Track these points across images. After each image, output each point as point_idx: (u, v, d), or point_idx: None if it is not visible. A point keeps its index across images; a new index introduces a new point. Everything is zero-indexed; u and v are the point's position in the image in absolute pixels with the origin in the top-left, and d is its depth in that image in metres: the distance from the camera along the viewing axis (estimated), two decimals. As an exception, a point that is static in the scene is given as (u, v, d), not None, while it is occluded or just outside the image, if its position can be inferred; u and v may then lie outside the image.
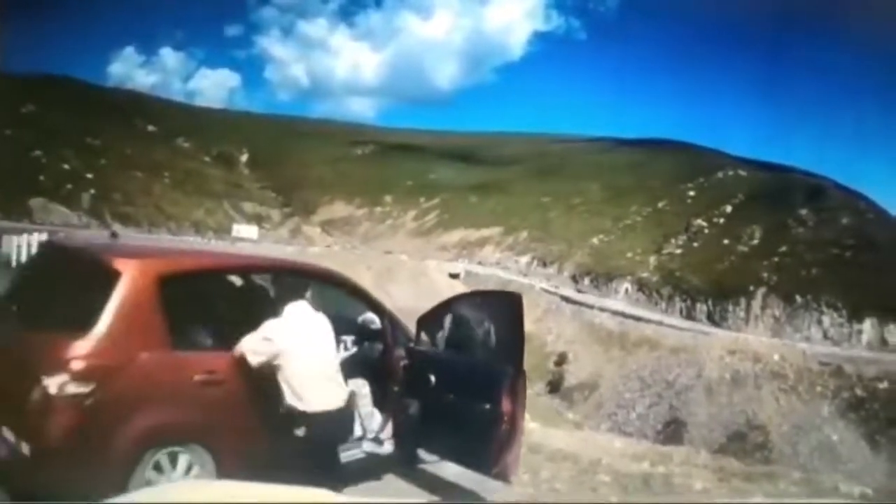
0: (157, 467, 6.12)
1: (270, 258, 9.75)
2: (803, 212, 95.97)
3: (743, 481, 10.03)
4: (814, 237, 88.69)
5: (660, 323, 71.71)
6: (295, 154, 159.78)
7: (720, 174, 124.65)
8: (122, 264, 6.36)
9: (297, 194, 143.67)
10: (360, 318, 8.48)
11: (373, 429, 8.46)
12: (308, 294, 7.35)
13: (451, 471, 8.57)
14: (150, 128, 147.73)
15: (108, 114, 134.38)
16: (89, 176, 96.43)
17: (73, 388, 5.76)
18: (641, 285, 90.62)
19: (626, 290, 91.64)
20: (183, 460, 6.25)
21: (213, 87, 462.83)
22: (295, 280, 7.61)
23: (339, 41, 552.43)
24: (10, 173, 75.53)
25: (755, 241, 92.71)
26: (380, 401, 8.44)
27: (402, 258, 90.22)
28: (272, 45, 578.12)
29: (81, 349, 5.85)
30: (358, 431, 8.06)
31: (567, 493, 8.70)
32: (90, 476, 5.75)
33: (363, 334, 8.51)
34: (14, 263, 28.57)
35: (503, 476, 7.80)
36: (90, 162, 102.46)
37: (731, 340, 63.94)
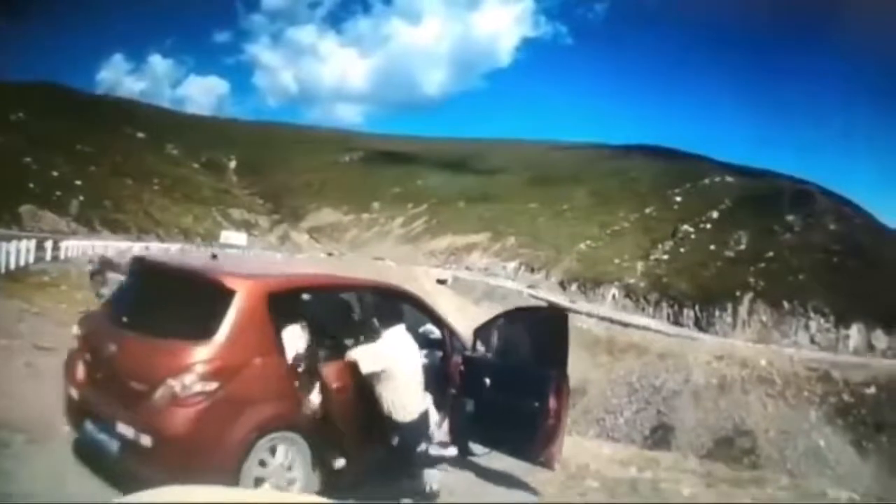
0: (262, 462, 6.89)
1: (354, 278, 10.47)
2: (790, 217, 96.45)
3: (731, 486, 10.12)
4: (801, 243, 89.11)
5: (647, 328, 71.86)
6: (283, 161, 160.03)
7: (707, 180, 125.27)
8: (236, 284, 7.18)
9: (286, 201, 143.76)
10: (422, 329, 9.13)
11: (437, 434, 9.13)
12: (404, 316, 8.15)
13: (500, 462, 9.31)
14: (140, 134, 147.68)
15: (97, 121, 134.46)
16: (79, 183, 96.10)
17: (199, 387, 6.52)
18: (629, 291, 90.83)
19: (614, 295, 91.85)
20: (282, 449, 7.07)
21: (202, 93, 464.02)
22: (384, 300, 8.48)
23: (327, 48, 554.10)
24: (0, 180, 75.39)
25: (742, 247, 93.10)
26: (438, 402, 9.07)
27: (390, 264, 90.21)
28: (261, 51, 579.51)
29: (206, 354, 6.65)
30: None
31: (555, 498, 8.75)
32: (206, 462, 6.52)
33: (426, 343, 9.10)
34: (3, 270, 28.53)
35: (548, 464, 8.77)
36: (80, 169, 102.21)
37: (719, 346, 64.16)
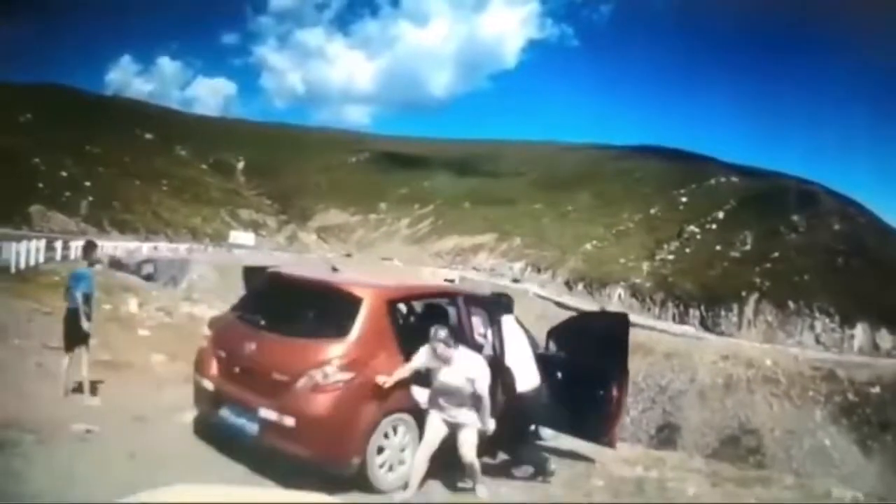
0: (385, 434, 8.28)
1: (454, 287, 13.71)
2: (795, 218, 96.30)
3: (736, 486, 10.14)
4: (806, 243, 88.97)
5: (653, 328, 71.74)
6: (291, 162, 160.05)
7: (712, 181, 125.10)
8: (363, 293, 8.67)
9: (293, 201, 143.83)
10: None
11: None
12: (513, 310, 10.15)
13: (567, 443, 10.85)
14: (148, 136, 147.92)
15: (106, 122, 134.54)
16: (88, 183, 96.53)
17: (338, 377, 7.88)
18: (635, 291, 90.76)
19: (620, 295, 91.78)
20: (401, 429, 8.44)
21: (211, 95, 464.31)
22: (483, 305, 10.24)
23: (335, 50, 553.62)
24: (9, 181, 75.66)
25: (747, 247, 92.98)
26: None
27: (398, 264, 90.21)
28: (269, 53, 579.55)
29: (342, 350, 8.06)
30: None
31: (561, 497, 8.79)
32: (340, 437, 7.91)
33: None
34: (13, 270, 28.63)
35: (611, 443, 10.40)
36: (89, 169, 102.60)
37: (724, 346, 64.07)
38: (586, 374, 10.28)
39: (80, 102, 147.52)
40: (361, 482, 7.99)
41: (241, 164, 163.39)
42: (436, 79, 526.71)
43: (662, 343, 64.22)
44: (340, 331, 8.20)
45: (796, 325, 74.13)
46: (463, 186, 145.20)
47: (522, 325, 10.46)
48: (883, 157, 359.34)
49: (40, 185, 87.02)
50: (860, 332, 70.12)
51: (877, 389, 55.06)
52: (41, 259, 33.67)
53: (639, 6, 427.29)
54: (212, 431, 8.85)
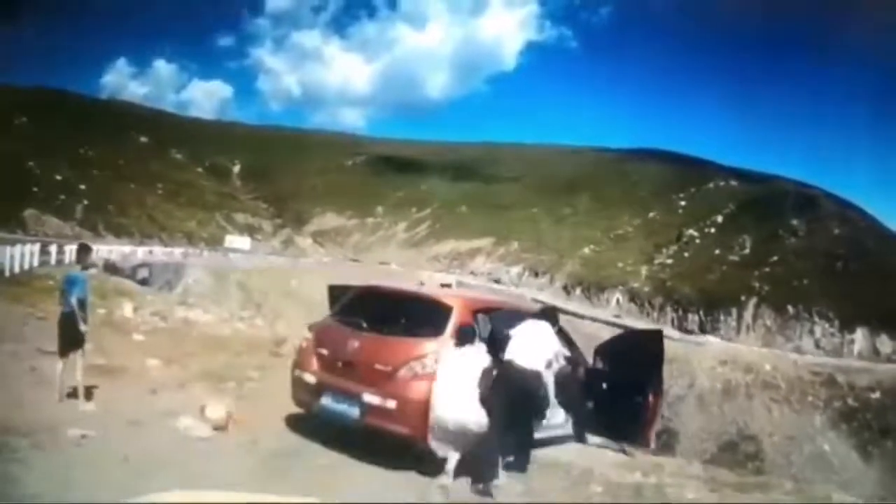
0: None
1: (518, 302, 17.25)
2: (794, 222, 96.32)
3: (735, 492, 10.08)
4: (805, 247, 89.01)
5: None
6: (287, 165, 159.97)
7: (711, 184, 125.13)
8: (453, 302, 11.13)
9: (289, 205, 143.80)
10: (557, 348, 11.28)
11: (564, 427, 12.02)
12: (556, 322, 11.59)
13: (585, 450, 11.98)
14: (143, 139, 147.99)
15: (100, 125, 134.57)
16: (82, 187, 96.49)
17: (434, 367, 9.64)
18: (633, 295, 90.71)
19: (618, 300, 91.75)
20: None
21: (206, 97, 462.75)
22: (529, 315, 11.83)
23: (331, 52, 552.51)
24: (3, 184, 75.64)
25: (746, 251, 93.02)
26: (566, 404, 11.75)
27: (395, 268, 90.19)
28: (265, 56, 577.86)
29: (437, 346, 9.98)
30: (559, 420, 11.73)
31: (559, 503, 8.79)
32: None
33: (560, 359, 11.50)
34: (8, 274, 28.59)
35: (646, 444, 12.41)
36: (83, 173, 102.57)
37: (723, 350, 63.96)
38: (626, 385, 12.07)
39: (74, 106, 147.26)
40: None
41: (236, 168, 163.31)
42: (433, 81, 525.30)
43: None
44: (435, 332, 10.25)
45: (795, 330, 74.13)
46: (460, 190, 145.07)
47: (569, 339, 12.70)
48: (883, 160, 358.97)
49: (35, 188, 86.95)
50: (860, 336, 70.11)
51: (877, 395, 54.97)
52: (35, 263, 33.68)
53: (638, 9, 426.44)
54: (313, 419, 10.76)
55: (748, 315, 77.81)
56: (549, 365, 10.41)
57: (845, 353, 68.81)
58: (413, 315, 10.98)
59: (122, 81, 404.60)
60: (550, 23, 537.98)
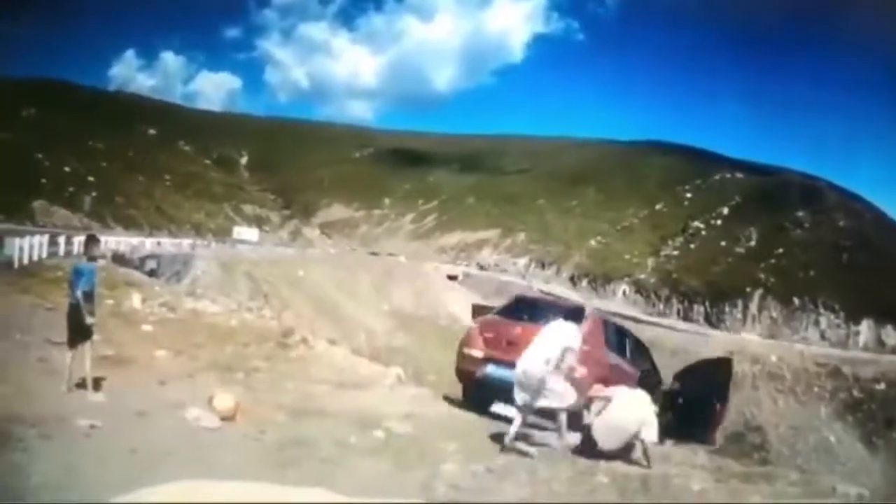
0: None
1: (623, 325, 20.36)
2: (800, 213, 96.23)
3: (741, 482, 10.06)
4: (811, 239, 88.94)
5: (658, 325, 71.61)
6: (294, 157, 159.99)
7: (717, 176, 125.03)
8: (586, 306, 16.91)
9: (297, 197, 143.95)
10: (644, 369, 15.65)
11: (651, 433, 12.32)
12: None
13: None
14: (151, 131, 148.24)
15: (109, 117, 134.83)
16: (91, 179, 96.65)
17: (579, 344, 11.62)
18: (639, 287, 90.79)
19: (624, 291, 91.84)
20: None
21: (214, 89, 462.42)
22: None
23: (339, 44, 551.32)
24: (12, 176, 75.66)
25: (752, 243, 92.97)
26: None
27: (402, 260, 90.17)
28: (273, 48, 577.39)
29: (581, 332, 12.14)
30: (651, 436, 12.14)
31: (565, 493, 8.73)
32: (580, 386, 11.65)
33: (646, 380, 15.32)
34: (16, 265, 28.64)
35: (712, 443, 15.72)
36: (92, 165, 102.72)
37: (729, 342, 63.88)
38: (700, 399, 16.27)
39: (83, 98, 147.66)
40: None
41: (244, 160, 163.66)
42: (440, 74, 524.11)
43: (667, 339, 64.14)
44: (578, 322, 12.80)
45: (801, 321, 74.23)
46: (467, 182, 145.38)
47: (649, 356, 18.34)
48: (890, 153, 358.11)
49: (43, 180, 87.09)
50: (865, 328, 70.16)
51: (882, 386, 54.80)
52: (44, 254, 33.67)
53: (644, 1, 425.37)
54: (480, 382, 14.39)
55: (754, 306, 77.86)
56: (550, 363, 11.23)
57: (851, 345, 68.85)
58: (558, 313, 12.99)
59: (131, 73, 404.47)
60: (557, 15, 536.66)
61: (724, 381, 17.30)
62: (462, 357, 15.13)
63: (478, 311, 19.09)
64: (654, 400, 12.68)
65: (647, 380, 15.57)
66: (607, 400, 11.24)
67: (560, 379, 11.25)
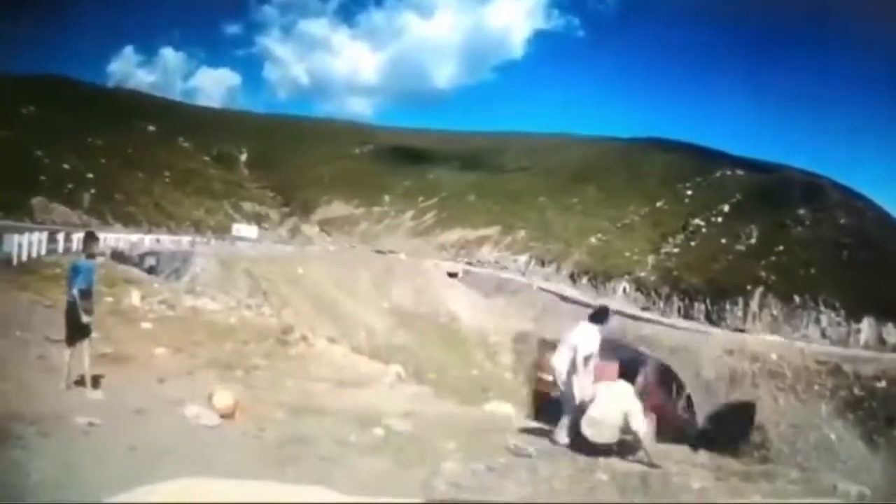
0: None
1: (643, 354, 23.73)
2: (801, 211, 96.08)
3: (741, 480, 10.05)
4: (812, 236, 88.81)
5: (658, 322, 71.61)
6: (294, 154, 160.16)
7: (718, 174, 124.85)
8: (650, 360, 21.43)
9: (297, 194, 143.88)
10: (683, 401, 18.06)
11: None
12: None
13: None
14: (151, 128, 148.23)
15: (108, 114, 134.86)
16: (90, 175, 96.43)
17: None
18: (640, 285, 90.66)
19: (625, 289, 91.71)
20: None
21: (214, 86, 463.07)
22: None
23: (339, 41, 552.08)
24: (11, 173, 75.53)
25: (753, 241, 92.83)
26: (680, 438, 16.30)
27: (401, 257, 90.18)
28: (272, 44, 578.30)
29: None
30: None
31: (565, 491, 8.72)
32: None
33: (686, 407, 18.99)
34: (15, 262, 28.61)
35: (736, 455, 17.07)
36: (91, 162, 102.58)
37: (729, 340, 63.92)
38: (732, 418, 26.34)
39: (82, 94, 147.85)
40: None
41: (244, 156, 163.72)
42: (441, 70, 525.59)
43: (667, 337, 64.12)
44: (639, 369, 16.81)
45: (802, 319, 74.09)
46: (467, 179, 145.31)
47: (679, 383, 21.44)
48: (891, 150, 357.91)
49: (42, 177, 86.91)
50: (866, 326, 70.03)
51: (882, 384, 54.87)
52: (43, 251, 33.67)
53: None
54: None
55: (754, 304, 77.74)
56: (571, 364, 11.59)
57: (851, 343, 68.76)
58: (625, 354, 15.62)
59: (130, 70, 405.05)
60: (558, 11, 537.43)
61: (749, 417, 22.23)
62: (538, 381, 17.94)
63: (542, 346, 24.28)
64: (688, 440, 14.64)
65: (690, 424, 18.01)
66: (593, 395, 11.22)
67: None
